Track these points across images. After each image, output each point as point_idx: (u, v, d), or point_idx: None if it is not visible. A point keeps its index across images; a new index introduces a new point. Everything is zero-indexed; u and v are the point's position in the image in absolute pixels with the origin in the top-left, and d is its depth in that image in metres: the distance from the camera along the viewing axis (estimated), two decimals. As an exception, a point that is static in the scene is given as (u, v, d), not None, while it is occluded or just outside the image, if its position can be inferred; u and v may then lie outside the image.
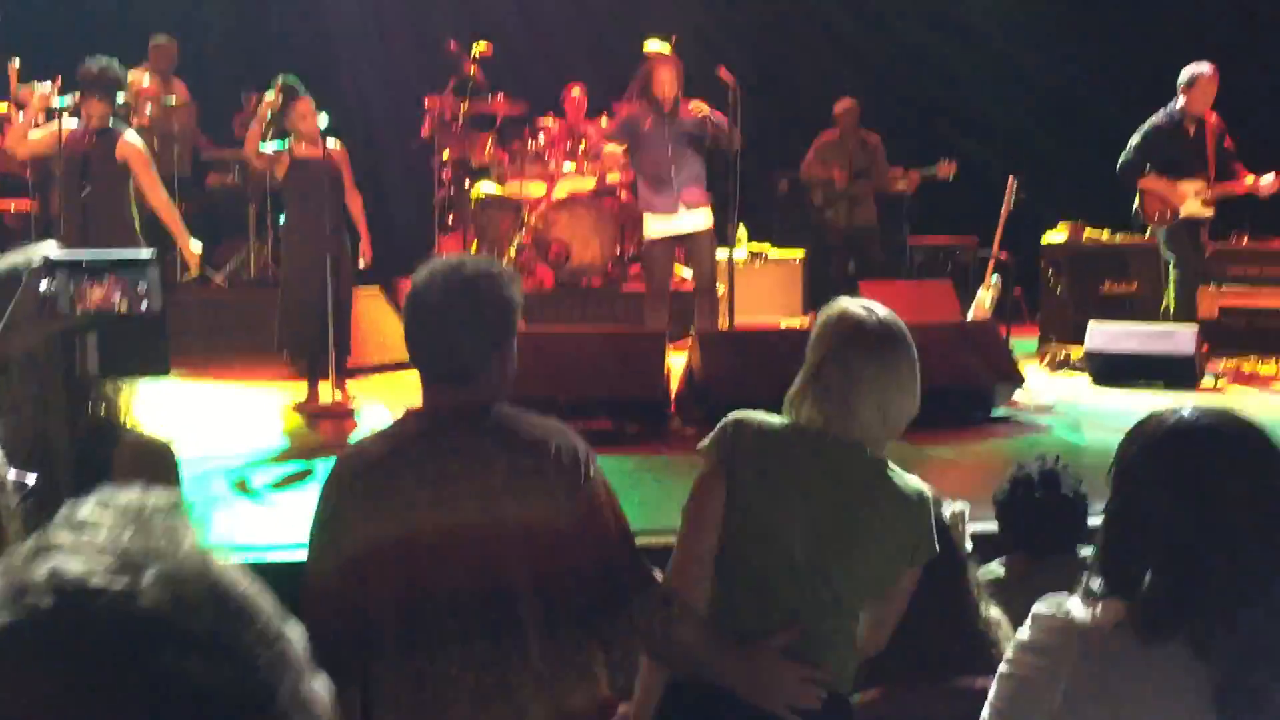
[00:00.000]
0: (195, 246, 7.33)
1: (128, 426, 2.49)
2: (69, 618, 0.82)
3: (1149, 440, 2.00)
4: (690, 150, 8.20)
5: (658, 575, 2.60)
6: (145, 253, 2.38)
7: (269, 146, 7.56)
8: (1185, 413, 2.01)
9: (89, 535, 0.87)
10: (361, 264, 7.78)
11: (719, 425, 2.75)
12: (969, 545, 3.02)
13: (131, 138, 7.18)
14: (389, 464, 2.50)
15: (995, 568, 3.59)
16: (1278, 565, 1.88)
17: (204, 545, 0.89)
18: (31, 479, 1.77)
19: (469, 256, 2.66)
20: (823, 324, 2.77)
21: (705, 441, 2.74)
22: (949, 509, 3.00)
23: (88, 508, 0.90)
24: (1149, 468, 1.98)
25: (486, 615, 2.43)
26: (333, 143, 7.63)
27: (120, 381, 2.46)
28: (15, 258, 2.42)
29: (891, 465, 2.75)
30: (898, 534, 2.70)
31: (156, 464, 2.44)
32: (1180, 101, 8.70)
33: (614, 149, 9.06)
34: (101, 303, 2.28)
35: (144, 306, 2.30)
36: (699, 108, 8.08)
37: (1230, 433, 1.97)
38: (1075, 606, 2.00)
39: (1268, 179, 8.58)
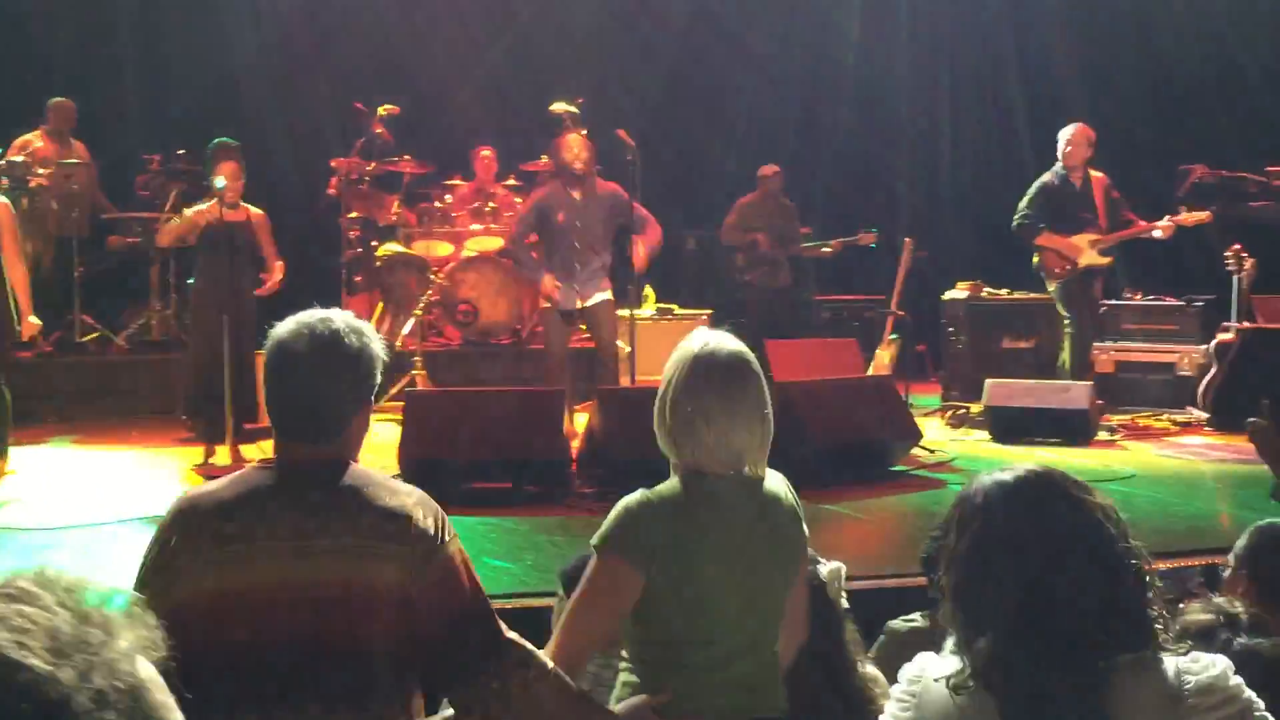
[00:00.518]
0: (33, 321, 7.17)
1: None
2: None
3: (969, 508, 2.06)
4: (600, 242, 8.16)
5: (515, 637, 2.57)
6: None
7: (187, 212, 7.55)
8: (1003, 477, 2.07)
9: (26, 607, 0.87)
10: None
11: (615, 518, 2.72)
12: (845, 604, 3.05)
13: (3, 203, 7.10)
14: (239, 514, 2.42)
15: (915, 617, 3.65)
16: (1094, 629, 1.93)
17: (135, 646, 0.88)
18: None
19: (334, 311, 2.59)
20: (673, 364, 2.81)
21: (603, 536, 2.71)
22: (825, 568, 3.03)
23: (26, 581, 0.89)
24: (970, 535, 2.03)
25: (325, 676, 2.37)
26: (254, 209, 7.64)
27: None
28: None
29: (767, 475, 2.81)
30: (791, 541, 2.79)
31: None
32: (1061, 158, 9.10)
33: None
34: None
35: None
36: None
37: (1044, 494, 2.03)
38: (932, 663, 2.04)
39: (1163, 223, 8.90)
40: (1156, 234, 8.92)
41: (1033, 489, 2.04)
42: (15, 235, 7.05)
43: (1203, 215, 8.98)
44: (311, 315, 2.54)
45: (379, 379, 2.57)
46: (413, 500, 2.51)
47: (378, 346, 2.56)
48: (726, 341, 2.83)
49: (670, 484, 2.77)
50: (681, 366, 2.79)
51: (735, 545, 2.71)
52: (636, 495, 2.75)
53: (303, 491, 2.45)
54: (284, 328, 2.51)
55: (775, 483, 2.82)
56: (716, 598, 2.69)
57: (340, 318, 2.54)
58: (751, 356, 2.85)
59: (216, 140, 7.84)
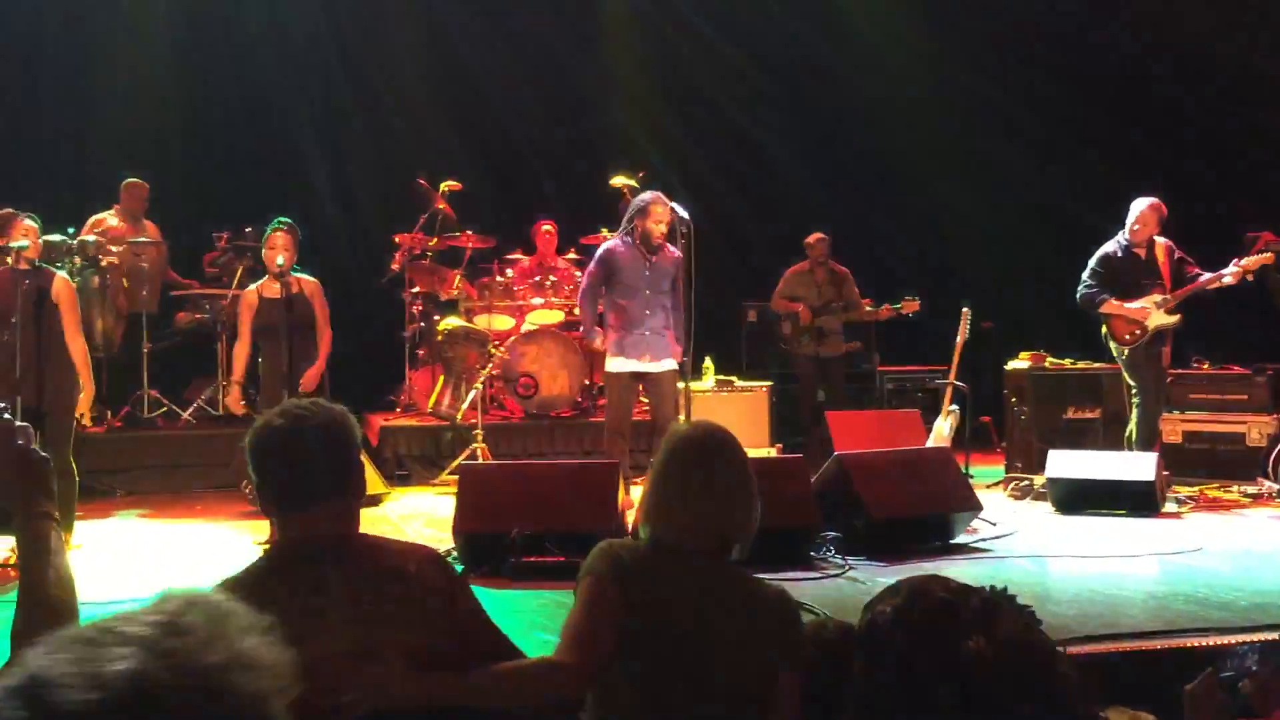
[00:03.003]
0: (86, 395, 7.26)
1: None
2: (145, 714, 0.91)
3: (868, 627, 2.04)
4: (665, 300, 8.19)
5: None
6: None
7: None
8: (893, 600, 2.04)
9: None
10: (302, 384, 7.68)
11: (593, 554, 2.82)
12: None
13: (65, 278, 7.28)
14: (249, 603, 2.45)
15: None
16: None
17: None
18: None
19: (301, 400, 2.70)
20: (661, 444, 2.99)
21: (586, 567, 2.79)
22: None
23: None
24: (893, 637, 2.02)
25: None
26: (308, 277, 7.71)
27: None
28: None
29: (747, 572, 2.90)
30: (766, 637, 2.79)
31: None
32: (1127, 231, 8.99)
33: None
34: None
35: None
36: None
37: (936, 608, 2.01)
38: None
39: (1230, 269, 8.78)
40: (1226, 280, 8.80)
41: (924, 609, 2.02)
42: (76, 312, 7.21)
43: (1266, 257, 8.84)
44: (296, 402, 2.69)
45: (359, 449, 2.67)
46: (417, 557, 2.59)
47: (355, 426, 2.67)
48: (705, 424, 3.01)
49: (644, 541, 2.90)
50: (662, 450, 2.95)
51: (699, 616, 2.76)
52: (611, 540, 2.88)
53: (306, 569, 2.49)
54: (271, 413, 2.63)
55: (762, 584, 2.91)
56: (677, 666, 2.72)
57: (322, 403, 2.68)
58: (731, 439, 2.99)
59: (276, 221, 7.98)
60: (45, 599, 2.27)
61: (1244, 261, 8.84)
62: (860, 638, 2.05)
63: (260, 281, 7.60)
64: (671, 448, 2.96)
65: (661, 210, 8.08)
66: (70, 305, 7.14)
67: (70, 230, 9.52)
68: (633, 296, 8.14)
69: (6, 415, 2.34)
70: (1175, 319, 8.91)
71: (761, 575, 6.07)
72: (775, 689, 2.78)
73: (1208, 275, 8.87)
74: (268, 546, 2.72)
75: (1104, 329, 9.09)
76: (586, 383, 10.82)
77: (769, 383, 10.74)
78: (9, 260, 7.06)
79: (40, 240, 7.32)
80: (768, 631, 2.80)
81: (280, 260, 7.51)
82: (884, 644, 2.01)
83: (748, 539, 2.96)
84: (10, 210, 7.27)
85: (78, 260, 9.38)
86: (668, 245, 8.18)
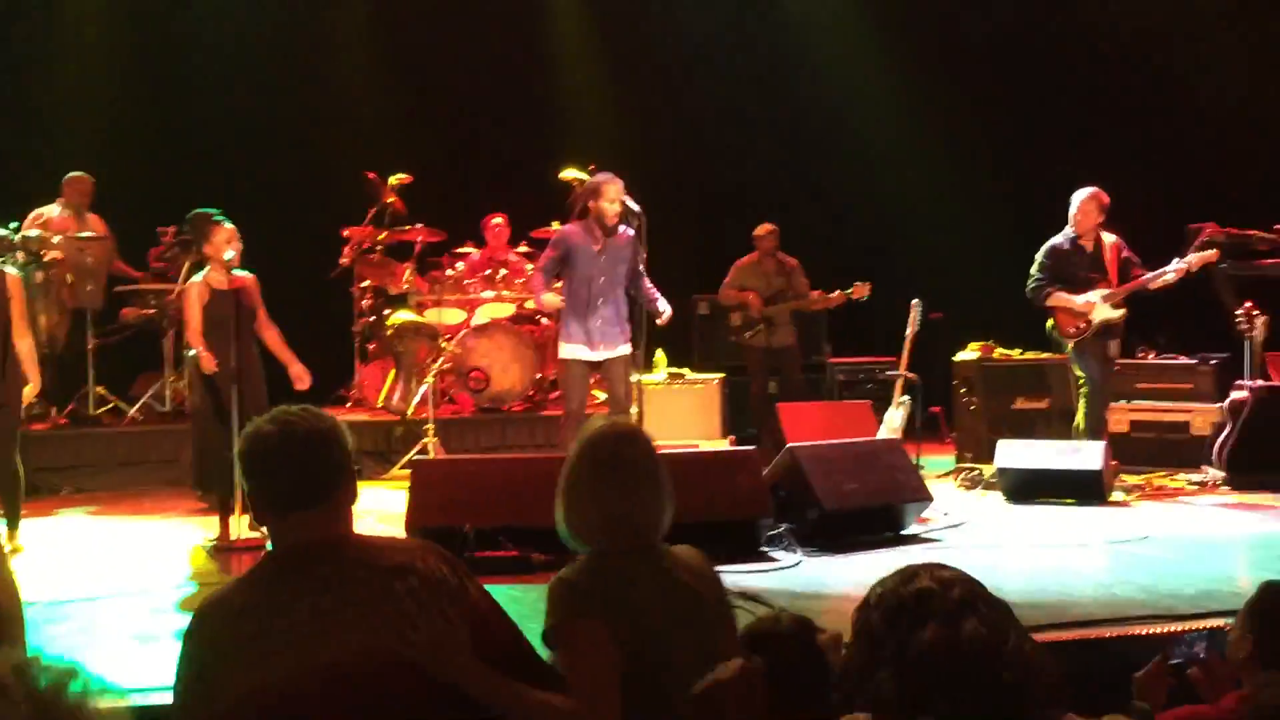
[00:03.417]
0: (32, 389, 7.24)
1: None
2: None
3: (899, 593, 2.10)
4: (619, 286, 8.14)
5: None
6: None
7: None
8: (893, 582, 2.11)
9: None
10: (299, 387, 7.58)
11: (553, 596, 2.83)
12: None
13: (12, 274, 7.21)
14: (255, 610, 2.45)
15: None
16: None
17: None
18: None
19: (289, 407, 2.68)
20: (571, 450, 3.01)
21: (557, 614, 2.78)
22: (823, 635, 3.02)
23: (5, 670, 0.93)
24: (902, 618, 2.07)
25: None
26: (243, 272, 7.59)
27: None
28: None
29: (667, 548, 2.96)
30: (713, 598, 2.95)
31: None
32: (1071, 223, 9.11)
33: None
34: None
35: None
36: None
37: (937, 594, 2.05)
38: None
39: (1174, 266, 8.85)
40: (1169, 277, 8.87)
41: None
42: (24, 307, 7.14)
43: (1210, 254, 8.94)
44: (285, 408, 2.66)
45: (351, 450, 2.64)
46: (419, 549, 2.59)
47: (342, 427, 2.65)
48: (615, 425, 3.03)
49: (581, 563, 2.90)
50: (573, 448, 2.97)
51: (666, 613, 2.81)
52: (563, 573, 2.87)
53: (309, 572, 2.48)
54: (263, 420, 2.62)
55: (684, 553, 2.99)
56: (662, 666, 2.74)
57: (292, 409, 2.65)
58: (640, 435, 3.04)
59: (197, 211, 7.87)
60: None
61: (1188, 259, 8.93)
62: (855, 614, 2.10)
63: (204, 273, 7.49)
64: (579, 453, 2.98)
65: (615, 190, 8.02)
66: (18, 301, 7.06)
67: (13, 225, 9.37)
68: (587, 284, 8.09)
69: None
70: (1120, 313, 9.00)
71: (716, 569, 6.11)
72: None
73: (1152, 273, 8.95)
74: (265, 555, 2.68)
75: (1049, 321, 9.17)
76: (538, 376, 10.80)
77: (721, 375, 10.76)
78: None
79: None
80: (715, 601, 2.94)
81: (231, 254, 7.42)
82: (861, 622, 2.05)
83: (661, 532, 2.99)
84: None
85: (20, 255, 9.22)
86: (622, 229, 8.12)
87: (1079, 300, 8.95)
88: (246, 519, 7.14)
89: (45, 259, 9.74)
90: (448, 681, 2.44)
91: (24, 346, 7.08)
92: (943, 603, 2.03)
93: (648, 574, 2.86)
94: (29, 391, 7.21)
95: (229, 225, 7.49)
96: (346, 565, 2.49)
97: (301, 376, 7.55)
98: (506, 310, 10.96)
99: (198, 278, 7.51)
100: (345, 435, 2.63)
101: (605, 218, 8.03)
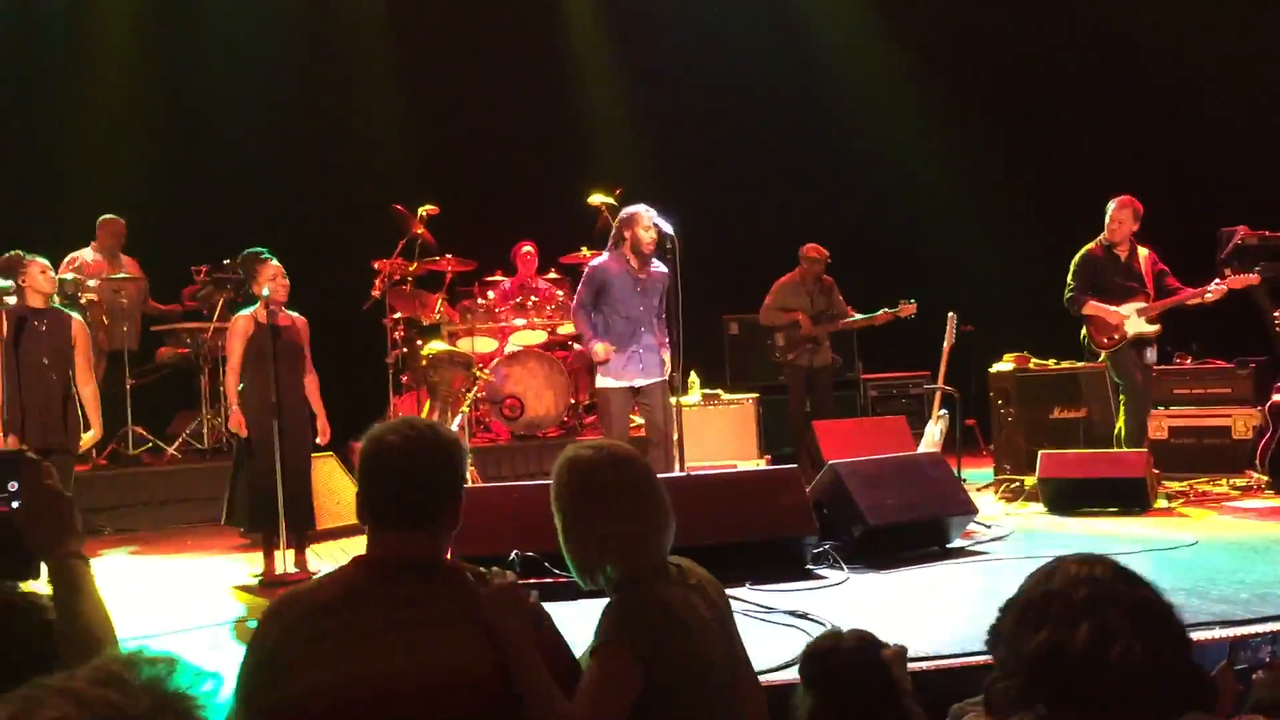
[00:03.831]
0: (93, 435, 7.43)
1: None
2: None
3: (1030, 594, 2.07)
4: (654, 315, 8.13)
5: None
6: (14, 451, 2.33)
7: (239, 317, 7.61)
8: (1060, 572, 2.08)
9: (113, 693, 1.02)
10: (320, 442, 7.69)
11: (602, 619, 2.81)
12: (909, 684, 3.01)
13: (81, 321, 7.37)
14: (337, 609, 2.47)
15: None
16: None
17: None
18: None
19: (417, 418, 2.73)
20: (561, 484, 2.94)
21: (600, 637, 2.77)
22: (887, 650, 3.00)
23: (119, 664, 1.05)
24: (1028, 618, 2.02)
25: None
26: (294, 313, 7.66)
27: None
28: None
29: (679, 562, 2.99)
30: (725, 601, 3.04)
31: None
32: (1106, 231, 9.07)
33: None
34: None
35: (12, 506, 2.25)
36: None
37: (1105, 587, 2.01)
38: None
39: (1212, 287, 8.80)
40: (1208, 297, 8.83)
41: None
42: (89, 353, 7.30)
43: (1251, 278, 8.89)
44: (399, 419, 2.70)
45: (464, 476, 2.69)
46: (506, 591, 2.59)
47: (459, 444, 2.69)
48: (605, 447, 2.99)
49: (623, 594, 2.87)
50: (567, 480, 2.92)
51: (700, 622, 2.83)
52: (612, 601, 2.87)
53: (395, 585, 2.51)
54: (379, 427, 2.66)
55: (688, 564, 3.03)
56: (705, 685, 2.77)
57: (423, 421, 2.70)
58: (626, 453, 3.00)
59: (247, 251, 7.94)
60: (84, 639, 2.27)
61: (1228, 280, 8.87)
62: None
63: (252, 309, 7.53)
64: (590, 484, 2.92)
65: (649, 218, 8.04)
66: (83, 346, 7.20)
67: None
68: (624, 313, 8.09)
69: (31, 455, 2.32)
70: (1155, 329, 8.95)
71: (760, 587, 6.07)
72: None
73: (1191, 290, 8.89)
74: (356, 559, 2.69)
75: (1083, 331, 9.14)
76: (572, 401, 10.81)
77: (755, 394, 10.75)
78: (10, 300, 7.10)
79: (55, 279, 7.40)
80: (725, 597, 3.02)
81: (267, 291, 7.45)
82: (998, 622, 2.05)
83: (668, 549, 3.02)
84: (18, 252, 7.28)
85: (57, 299, 9.30)
86: (655, 262, 8.14)
87: (1113, 313, 8.91)
88: (292, 554, 7.18)
89: (82, 301, 9.82)
90: (499, 633, 2.49)
91: (88, 393, 7.30)
92: (1064, 605, 2.01)
93: (678, 591, 2.87)
94: (89, 438, 7.33)
95: (274, 263, 7.55)
96: (433, 586, 2.53)
97: (323, 431, 7.61)
98: (539, 337, 10.98)
99: (246, 312, 7.56)
100: (461, 457, 2.66)
101: (642, 245, 8.02)
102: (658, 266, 8.14)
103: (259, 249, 7.76)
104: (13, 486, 2.26)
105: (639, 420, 8.83)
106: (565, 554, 2.95)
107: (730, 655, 2.89)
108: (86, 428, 7.37)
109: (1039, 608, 2.04)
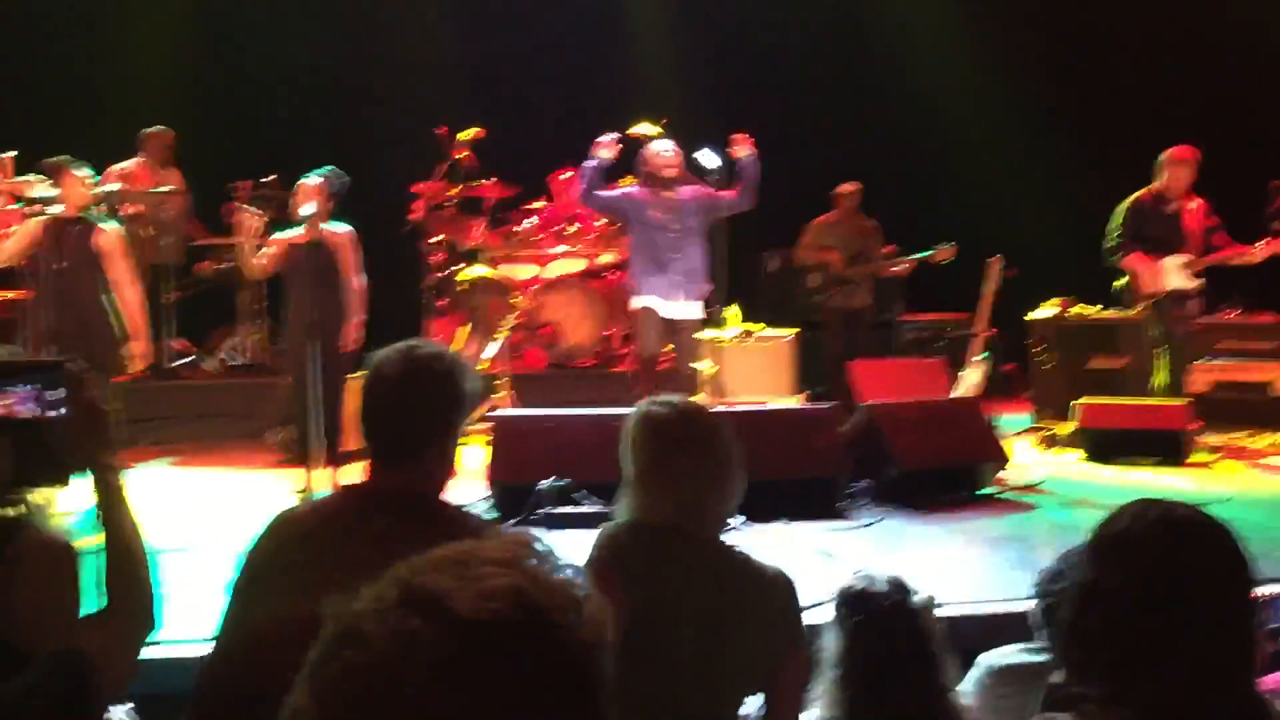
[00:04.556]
0: (135, 346, 7.35)
1: (31, 525, 2.45)
2: (532, 628, 0.99)
3: (1113, 539, 2.01)
4: (694, 239, 8.16)
5: None
6: (54, 361, 2.33)
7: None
8: (1151, 513, 2.01)
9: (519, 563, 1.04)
10: (343, 349, 7.67)
11: (597, 541, 2.83)
12: (937, 631, 3.01)
13: (111, 230, 7.32)
14: (310, 540, 2.47)
15: (1014, 650, 3.50)
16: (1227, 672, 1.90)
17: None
18: None
19: (428, 342, 2.65)
20: (631, 426, 2.91)
21: (589, 556, 2.77)
22: (917, 598, 3.00)
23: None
24: (1113, 565, 1.99)
25: None
26: (339, 226, 7.67)
27: (30, 486, 2.41)
28: None
29: (740, 551, 2.89)
30: (763, 620, 2.80)
31: (59, 563, 2.43)
32: (1159, 181, 8.88)
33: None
34: (8, 409, 2.25)
35: (55, 414, 2.27)
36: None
37: (1197, 536, 1.98)
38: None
39: (1258, 245, 8.67)
40: (1255, 256, 8.69)
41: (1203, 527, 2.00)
42: (126, 261, 7.25)
43: None
44: (408, 343, 2.60)
45: (464, 411, 2.60)
46: (488, 532, 2.55)
47: (468, 383, 2.60)
48: (675, 404, 2.92)
49: (631, 521, 2.85)
50: (633, 432, 2.89)
51: (686, 603, 2.74)
52: (610, 526, 2.87)
53: (371, 520, 2.45)
54: (381, 354, 2.59)
55: (759, 565, 2.88)
56: (663, 645, 2.68)
57: (434, 349, 2.61)
58: (705, 418, 2.93)
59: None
60: (129, 546, 2.32)
61: (1274, 240, 8.71)
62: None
63: (293, 228, 7.57)
64: (652, 430, 2.87)
65: (656, 155, 8.13)
66: (116, 255, 7.19)
67: (92, 177, 9.48)
68: (654, 236, 8.11)
69: (71, 365, 2.33)
70: (1197, 284, 8.83)
71: (792, 524, 6.08)
72: (782, 672, 2.82)
73: (1236, 250, 8.74)
74: (349, 487, 2.67)
75: (1123, 280, 9.03)
76: (609, 332, 10.81)
77: (794, 331, 10.70)
78: (49, 211, 7.12)
79: (92, 190, 7.35)
80: (764, 616, 2.81)
81: (307, 210, 7.46)
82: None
83: (722, 522, 2.97)
84: (63, 158, 7.28)
85: (101, 210, 9.34)
86: (686, 182, 8.13)
87: (1155, 266, 8.78)
88: (329, 471, 7.24)
89: (125, 213, 9.84)
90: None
91: (128, 297, 7.25)
92: (1136, 553, 1.98)
93: (689, 559, 2.79)
94: (136, 346, 7.28)
95: (303, 181, 7.57)
96: (406, 526, 2.44)
97: (346, 336, 7.63)
98: (578, 266, 10.96)
99: (282, 235, 7.60)
100: (461, 392, 2.57)
101: (660, 171, 8.12)
102: (688, 189, 8.12)
103: (323, 168, 7.80)
104: (54, 396, 2.27)
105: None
106: (629, 500, 2.90)
107: (696, 653, 2.75)
108: (123, 338, 7.31)
109: (1103, 552, 1.99)
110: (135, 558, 2.35)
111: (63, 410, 2.27)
